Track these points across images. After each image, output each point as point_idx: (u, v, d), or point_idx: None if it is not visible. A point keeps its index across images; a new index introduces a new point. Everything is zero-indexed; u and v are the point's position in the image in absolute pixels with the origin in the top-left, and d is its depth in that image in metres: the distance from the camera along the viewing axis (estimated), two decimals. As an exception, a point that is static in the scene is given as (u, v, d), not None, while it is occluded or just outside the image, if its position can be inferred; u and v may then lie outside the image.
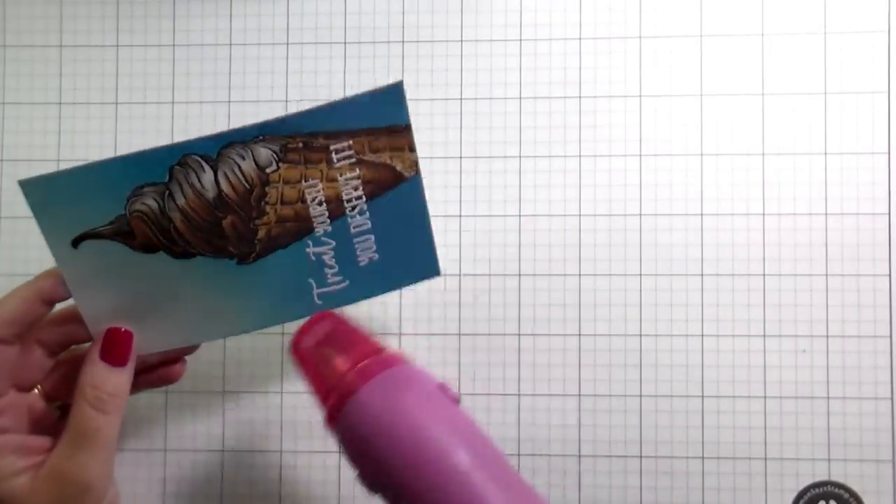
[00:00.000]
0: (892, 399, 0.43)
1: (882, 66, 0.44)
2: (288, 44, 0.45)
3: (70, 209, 0.35)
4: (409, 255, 0.40)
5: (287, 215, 0.37)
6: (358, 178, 0.37)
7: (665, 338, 0.43)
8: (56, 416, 0.38)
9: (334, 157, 0.37)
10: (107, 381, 0.35)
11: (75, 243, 0.36)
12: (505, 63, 0.45)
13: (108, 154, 0.45)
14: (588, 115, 0.44)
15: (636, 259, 0.44)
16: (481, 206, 0.44)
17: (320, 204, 0.38)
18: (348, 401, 0.32)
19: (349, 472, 0.43)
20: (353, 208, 0.38)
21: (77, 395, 0.35)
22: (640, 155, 0.44)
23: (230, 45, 0.45)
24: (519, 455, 0.43)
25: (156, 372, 0.40)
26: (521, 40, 0.45)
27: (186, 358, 0.41)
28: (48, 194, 0.35)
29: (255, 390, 0.44)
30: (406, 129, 0.38)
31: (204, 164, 0.36)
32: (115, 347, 0.36)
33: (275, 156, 0.36)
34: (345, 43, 0.45)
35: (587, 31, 0.45)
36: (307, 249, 0.38)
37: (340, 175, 0.37)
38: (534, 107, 0.44)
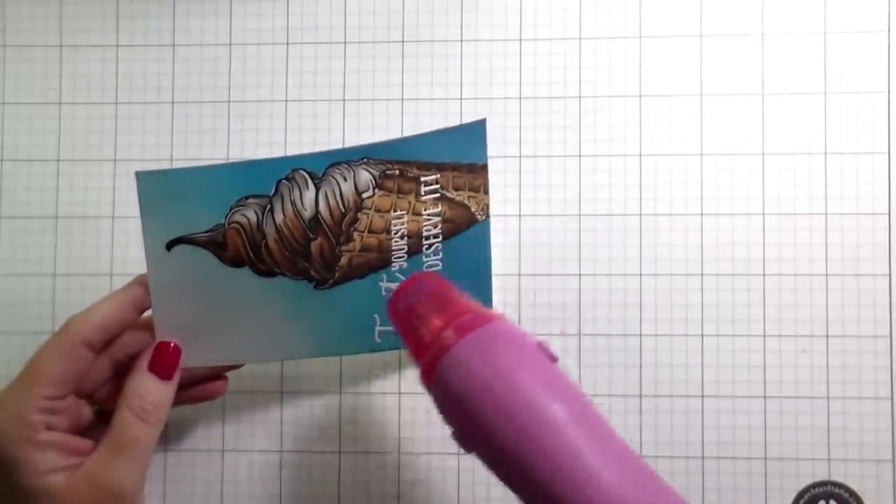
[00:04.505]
0: (892, 399, 0.43)
1: (882, 66, 0.44)
2: (288, 44, 0.45)
3: (175, 209, 0.36)
4: None
5: (371, 244, 0.38)
6: (439, 214, 0.38)
7: (665, 338, 0.43)
8: (94, 420, 0.38)
9: (423, 189, 0.38)
10: (152, 392, 0.36)
11: (169, 246, 0.36)
12: (505, 63, 0.45)
13: (107, 154, 0.45)
14: (588, 115, 0.44)
15: (636, 259, 0.44)
16: (481, 206, 0.44)
17: (402, 237, 0.38)
18: (443, 356, 0.30)
19: (349, 472, 0.43)
20: (430, 247, 0.39)
21: (121, 403, 0.36)
22: (640, 155, 0.44)
23: (230, 45, 0.45)
24: (519, 455, 0.43)
25: (199, 387, 0.41)
26: (521, 40, 0.45)
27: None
28: (160, 190, 0.36)
29: (256, 390, 0.44)
30: (483, 169, 0.38)
31: (309, 181, 0.37)
32: (164, 360, 0.37)
33: (373, 181, 0.37)
34: (345, 43, 0.45)
35: (587, 31, 0.45)
36: (381, 283, 0.39)
37: (425, 210, 0.38)
38: (534, 107, 0.44)
